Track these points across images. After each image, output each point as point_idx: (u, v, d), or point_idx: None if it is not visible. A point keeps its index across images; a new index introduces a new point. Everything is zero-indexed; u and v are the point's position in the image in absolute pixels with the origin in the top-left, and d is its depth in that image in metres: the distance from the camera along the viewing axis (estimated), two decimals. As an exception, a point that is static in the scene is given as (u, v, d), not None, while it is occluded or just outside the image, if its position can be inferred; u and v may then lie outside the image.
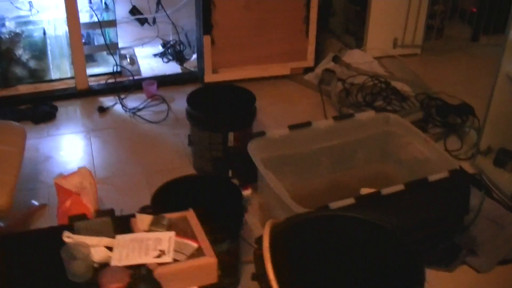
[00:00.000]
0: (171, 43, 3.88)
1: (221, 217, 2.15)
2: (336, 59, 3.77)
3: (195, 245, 1.70)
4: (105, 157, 3.01)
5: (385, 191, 2.22)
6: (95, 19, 3.47)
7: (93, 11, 3.47)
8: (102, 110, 3.37)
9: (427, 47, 4.04)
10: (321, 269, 1.89)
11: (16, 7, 3.47)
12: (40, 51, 3.45)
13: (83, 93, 3.47)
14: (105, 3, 3.57)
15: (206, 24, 3.39)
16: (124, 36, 3.87)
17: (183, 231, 1.77)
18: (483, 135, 2.92)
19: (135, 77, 3.59)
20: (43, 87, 3.49)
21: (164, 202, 2.17)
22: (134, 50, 3.87)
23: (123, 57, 3.74)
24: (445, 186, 2.32)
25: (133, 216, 1.81)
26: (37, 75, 3.50)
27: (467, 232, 2.49)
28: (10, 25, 3.36)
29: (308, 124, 2.58)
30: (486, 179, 2.85)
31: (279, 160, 2.54)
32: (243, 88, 2.88)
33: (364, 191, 2.46)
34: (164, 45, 3.88)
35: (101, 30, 3.49)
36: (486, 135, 2.92)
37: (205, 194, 2.26)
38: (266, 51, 3.58)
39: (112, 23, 3.52)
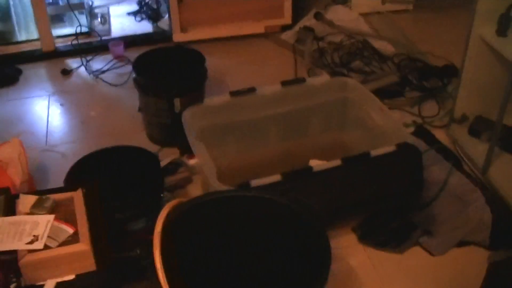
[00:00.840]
0: (147, 0, 3.71)
1: (137, 193, 2.04)
2: (318, 16, 3.54)
3: (70, 230, 1.59)
4: (61, 122, 2.91)
5: (318, 167, 2.04)
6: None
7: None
8: (66, 72, 3.26)
9: (420, 3, 3.74)
10: (215, 256, 1.76)
11: None
12: (3, 12, 3.34)
13: (49, 55, 3.37)
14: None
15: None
16: None
17: (67, 214, 1.66)
18: (457, 102, 2.68)
19: (104, 38, 3.46)
20: (9, 49, 3.39)
21: (80, 177, 2.06)
22: (108, 9, 3.72)
23: (94, 16, 3.60)
24: (391, 160, 2.13)
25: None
26: (2, 37, 3.40)
27: (428, 210, 2.30)
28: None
29: (252, 90, 2.40)
30: (459, 149, 2.62)
31: (220, 129, 2.39)
32: (193, 49, 2.72)
33: (313, 163, 2.30)
34: (139, 3, 3.71)
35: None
36: (461, 101, 2.68)
37: (125, 167, 2.14)
38: (240, 8, 3.38)
39: None
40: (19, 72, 3.27)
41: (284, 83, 2.44)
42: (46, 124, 2.88)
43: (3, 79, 3.19)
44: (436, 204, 2.30)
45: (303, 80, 2.48)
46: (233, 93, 2.39)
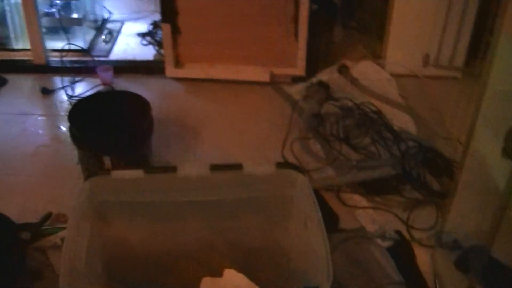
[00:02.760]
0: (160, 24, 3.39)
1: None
2: (343, 70, 3.06)
3: None
4: (13, 148, 2.68)
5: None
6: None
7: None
8: (46, 92, 3.06)
9: (471, 70, 3.09)
10: None
11: None
12: (1, 17, 3.21)
13: (39, 68, 3.20)
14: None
15: (166, 9, 2.88)
16: (120, 7, 3.53)
17: None
18: (449, 218, 2.14)
19: (100, 58, 3.23)
20: (2, 54, 3.25)
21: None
22: (121, 26, 3.48)
23: (101, 31, 3.37)
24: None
25: None
26: None
27: None
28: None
29: (172, 169, 2.00)
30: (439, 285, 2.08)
31: (129, 207, 2.02)
32: (140, 96, 2.38)
33: (228, 274, 1.88)
34: (154, 25, 3.42)
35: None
36: (454, 217, 2.13)
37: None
38: (245, 49, 2.99)
39: None
40: (4, 82, 3.14)
41: (214, 167, 2.02)
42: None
43: None
44: None
45: (239, 166, 2.04)
46: (148, 170, 2.00)
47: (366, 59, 3.17)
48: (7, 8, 3.17)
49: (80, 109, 2.36)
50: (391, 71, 3.07)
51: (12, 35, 3.25)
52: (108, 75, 3.07)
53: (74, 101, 2.94)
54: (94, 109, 2.39)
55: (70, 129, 2.31)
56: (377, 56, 3.16)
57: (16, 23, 3.22)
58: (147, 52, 3.31)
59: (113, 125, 2.31)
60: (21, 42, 3.27)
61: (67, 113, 2.32)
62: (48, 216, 2.22)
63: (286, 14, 2.87)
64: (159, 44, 3.29)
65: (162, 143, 2.63)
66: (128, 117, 2.34)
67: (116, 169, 2.03)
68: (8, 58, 3.25)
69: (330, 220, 2.32)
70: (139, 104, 2.37)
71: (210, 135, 2.74)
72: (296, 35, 2.92)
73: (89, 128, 2.29)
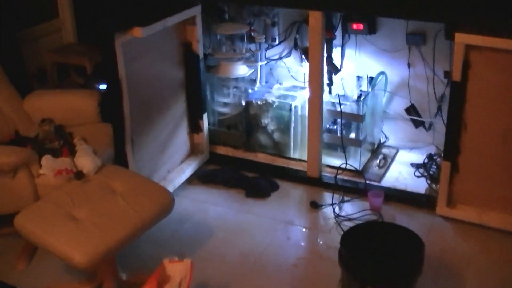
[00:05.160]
0: (435, 158, 3.42)
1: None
2: None
3: None
4: (274, 255, 2.84)
5: None
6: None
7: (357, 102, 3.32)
8: (314, 205, 3.22)
9: None
10: None
11: (291, 75, 3.65)
12: (285, 125, 3.48)
13: (311, 181, 3.39)
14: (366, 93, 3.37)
15: (449, 147, 2.88)
16: (397, 133, 3.62)
17: None
18: None
19: (371, 182, 3.32)
20: (280, 161, 3.52)
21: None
22: (396, 153, 3.54)
23: (375, 155, 3.50)
24: None
25: None
26: (278, 148, 3.55)
27: None
28: (273, 92, 3.51)
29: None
30: None
31: None
32: (414, 233, 2.38)
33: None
34: (429, 158, 3.44)
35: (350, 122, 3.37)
36: None
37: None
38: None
39: (358, 118, 3.30)
40: (276, 187, 3.37)
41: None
42: (260, 249, 2.86)
43: (255, 188, 3.30)
44: None
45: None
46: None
47: None
48: (292, 118, 3.42)
49: (352, 234, 2.43)
50: None
51: (291, 144, 3.49)
52: (378, 201, 3.12)
53: (340, 219, 3.05)
54: (364, 236, 2.44)
55: (340, 250, 2.38)
56: None
57: (298, 133, 3.46)
58: (419, 184, 3.29)
59: (382, 255, 2.32)
60: (298, 152, 3.50)
61: (341, 234, 2.41)
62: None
63: None
64: (432, 178, 3.28)
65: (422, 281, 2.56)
66: (398, 252, 2.34)
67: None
68: (284, 166, 3.48)
69: None
70: (411, 240, 2.36)
71: (474, 282, 2.62)
72: None
73: (359, 254, 2.33)
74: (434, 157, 3.42)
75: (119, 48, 2.81)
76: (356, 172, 3.36)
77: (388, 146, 3.63)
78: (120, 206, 2.51)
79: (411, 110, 3.53)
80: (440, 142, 3.33)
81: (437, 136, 3.50)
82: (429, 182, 3.28)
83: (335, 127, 3.42)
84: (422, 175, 3.36)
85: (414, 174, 3.38)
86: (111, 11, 3.31)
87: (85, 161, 2.77)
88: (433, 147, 3.52)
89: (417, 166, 3.43)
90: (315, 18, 3.03)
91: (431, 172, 3.33)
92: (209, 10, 3.45)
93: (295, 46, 3.55)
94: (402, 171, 3.43)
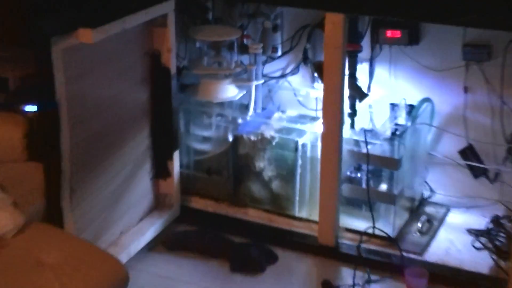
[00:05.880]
0: (503, 222, 2.73)
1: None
2: None
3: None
4: None
5: None
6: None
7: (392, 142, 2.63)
8: (327, 286, 2.54)
9: None
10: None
11: (298, 100, 3.04)
12: (289, 171, 2.79)
13: (323, 250, 2.71)
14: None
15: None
16: (447, 185, 2.92)
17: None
18: None
19: (410, 255, 2.59)
20: (279, 221, 2.83)
21: None
22: (447, 213, 2.87)
23: (416, 217, 2.79)
24: None
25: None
26: (278, 203, 2.86)
27: None
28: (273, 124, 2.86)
29: None
30: None
31: None
32: None
33: None
34: (495, 221, 2.75)
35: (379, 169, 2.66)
36: None
37: None
38: None
39: (392, 163, 2.60)
40: (274, 258, 2.72)
41: None
42: None
43: (245, 260, 2.69)
44: None
45: None
46: None
47: None
48: (299, 162, 2.77)
49: None
50: None
51: (296, 198, 2.81)
52: (421, 282, 2.45)
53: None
54: None
55: None
56: None
57: (306, 183, 2.81)
58: (480, 260, 2.58)
59: None
60: (305, 210, 2.84)
61: None
62: None
63: None
64: (499, 252, 2.56)
65: None
66: None
67: None
68: (285, 228, 2.82)
69: None
70: None
71: None
72: None
73: None
74: (502, 221, 2.76)
75: (58, 57, 2.29)
76: (388, 240, 2.71)
77: (435, 204, 2.96)
78: (49, 287, 1.97)
79: (468, 153, 2.88)
80: (510, 199, 2.79)
81: (506, 191, 2.84)
82: (494, 257, 2.57)
83: (358, 175, 2.76)
84: (485, 247, 2.66)
85: (473, 245, 2.68)
86: (49, 7, 2.63)
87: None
88: (501, 206, 2.84)
89: (476, 233, 2.74)
90: (334, 22, 2.48)
91: (497, 243, 2.64)
92: (186, 7, 2.91)
93: (305, 60, 2.98)
94: (455, 241, 2.75)
